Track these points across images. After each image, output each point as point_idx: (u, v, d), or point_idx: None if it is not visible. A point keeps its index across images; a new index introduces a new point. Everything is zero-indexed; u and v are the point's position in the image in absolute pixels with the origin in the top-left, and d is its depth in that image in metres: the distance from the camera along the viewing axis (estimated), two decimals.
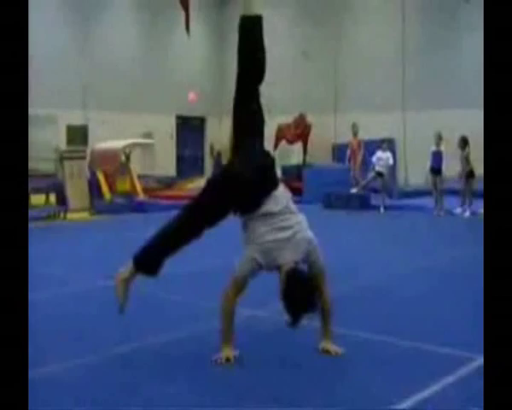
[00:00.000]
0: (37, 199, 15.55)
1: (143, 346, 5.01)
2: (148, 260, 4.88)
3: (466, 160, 15.42)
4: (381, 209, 16.68)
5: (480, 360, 4.61)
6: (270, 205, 4.67)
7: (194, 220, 4.84)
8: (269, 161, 4.99)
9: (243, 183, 4.73)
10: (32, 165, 18.90)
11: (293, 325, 4.54)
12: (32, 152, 19.03)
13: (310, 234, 4.76)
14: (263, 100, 5.04)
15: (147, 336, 5.22)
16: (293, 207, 4.80)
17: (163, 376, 4.37)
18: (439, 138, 15.76)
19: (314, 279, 4.70)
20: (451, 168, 15.49)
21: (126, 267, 4.86)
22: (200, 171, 25.86)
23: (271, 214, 4.64)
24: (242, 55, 4.89)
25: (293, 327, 4.56)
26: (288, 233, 4.63)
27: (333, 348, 4.82)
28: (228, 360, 4.59)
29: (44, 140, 18.71)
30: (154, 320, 5.77)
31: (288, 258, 4.59)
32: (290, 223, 4.68)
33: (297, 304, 4.50)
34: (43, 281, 7.44)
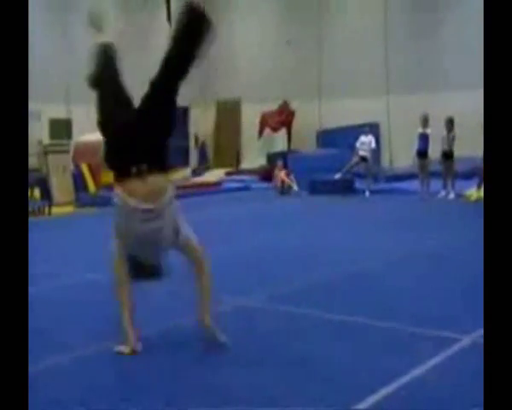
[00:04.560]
0: None
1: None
2: None
3: (452, 141, 15.46)
4: (367, 193, 16.72)
5: (467, 340, 4.66)
6: None
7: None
8: None
9: None
10: None
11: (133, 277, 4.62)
12: None
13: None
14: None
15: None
16: None
17: (150, 369, 4.37)
18: (425, 121, 15.73)
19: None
20: (437, 151, 15.54)
21: None
22: (184, 161, 25.78)
23: None
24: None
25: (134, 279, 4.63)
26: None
27: (208, 322, 4.66)
28: None
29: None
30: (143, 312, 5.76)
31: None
32: None
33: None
34: (31, 276, 7.41)
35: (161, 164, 4.55)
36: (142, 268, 4.67)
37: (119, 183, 4.49)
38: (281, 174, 18.22)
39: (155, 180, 4.44)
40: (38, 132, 19.37)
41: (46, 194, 15.08)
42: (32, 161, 16.94)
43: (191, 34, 4.56)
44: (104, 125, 4.66)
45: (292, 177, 18.17)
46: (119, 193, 4.46)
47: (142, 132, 4.51)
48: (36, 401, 3.70)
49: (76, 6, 22.20)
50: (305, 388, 3.95)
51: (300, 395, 3.85)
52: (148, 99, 4.60)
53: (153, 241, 4.51)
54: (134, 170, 4.41)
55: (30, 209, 14.40)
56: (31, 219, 13.65)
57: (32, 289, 6.67)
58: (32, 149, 16.82)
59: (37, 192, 15.54)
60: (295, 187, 17.95)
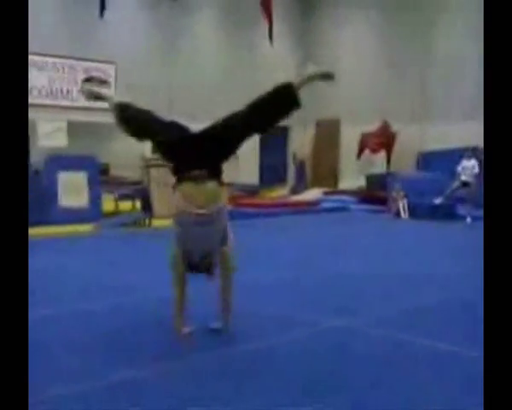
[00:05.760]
0: (123, 205, 15.90)
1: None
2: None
3: None
4: (468, 220, 16.26)
5: None
6: None
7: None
8: None
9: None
10: (119, 172, 19.41)
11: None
12: (120, 160, 19.54)
13: None
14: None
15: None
16: None
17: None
18: None
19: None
20: None
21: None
22: (282, 179, 25.91)
23: None
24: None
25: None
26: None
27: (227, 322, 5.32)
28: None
29: (131, 148, 19.09)
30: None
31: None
32: None
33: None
34: (129, 287, 7.59)
35: (218, 173, 5.01)
36: (196, 266, 5.15)
37: (178, 186, 4.95)
38: (398, 201, 17.70)
39: (211, 186, 4.89)
40: (142, 146, 19.89)
41: (147, 206, 15.43)
42: (135, 174, 17.48)
43: (279, 108, 5.02)
44: (166, 146, 5.19)
45: (406, 202, 17.65)
46: (178, 200, 4.92)
47: (207, 144, 5.00)
48: None
49: (181, 24, 22.80)
50: None
51: None
52: (223, 128, 5.05)
53: (203, 244, 5.00)
54: (195, 173, 4.86)
55: (131, 220, 14.81)
56: (132, 229, 14.01)
57: (130, 299, 6.85)
58: (135, 162, 17.37)
59: (138, 204, 15.93)
60: (404, 213, 17.49)
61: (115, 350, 5.03)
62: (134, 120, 5.26)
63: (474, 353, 4.92)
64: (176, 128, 5.19)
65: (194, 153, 4.94)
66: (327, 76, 5.15)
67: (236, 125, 5.00)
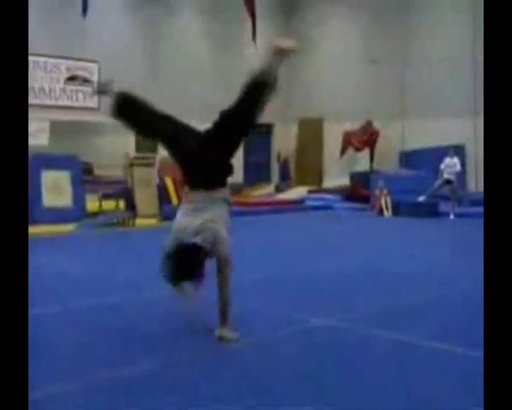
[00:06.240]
0: (107, 205, 15.84)
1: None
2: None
3: None
4: (451, 216, 16.37)
5: None
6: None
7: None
8: None
9: None
10: (103, 172, 19.33)
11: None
12: (103, 159, 19.45)
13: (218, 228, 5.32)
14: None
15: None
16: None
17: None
18: None
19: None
20: None
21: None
22: (267, 178, 25.90)
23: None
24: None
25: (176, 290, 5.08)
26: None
27: (229, 334, 5.10)
28: None
29: (114, 147, 19.06)
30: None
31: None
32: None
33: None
34: (116, 286, 7.57)
35: None
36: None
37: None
38: (381, 199, 17.77)
39: None
40: (125, 145, 19.87)
41: (131, 206, 15.39)
42: (119, 173, 17.42)
43: (258, 92, 5.58)
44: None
45: (389, 200, 17.74)
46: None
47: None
48: None
49: (164, 26, 22.73)
50: None
51: None
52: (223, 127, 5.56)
53: None
54: None
55: (115, 220, 14.76)
56: (116, 228, 13.96)
57: (118, 298, 6.83)
58: (119, 161, 17.32)
59: (121, 203, 15.88)
60: (387, 212, 17.58)
61: (111, 349, 5.01)
62: (138, 116, 5.44)
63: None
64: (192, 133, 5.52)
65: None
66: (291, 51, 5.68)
67: (236, 117, 5.52)
